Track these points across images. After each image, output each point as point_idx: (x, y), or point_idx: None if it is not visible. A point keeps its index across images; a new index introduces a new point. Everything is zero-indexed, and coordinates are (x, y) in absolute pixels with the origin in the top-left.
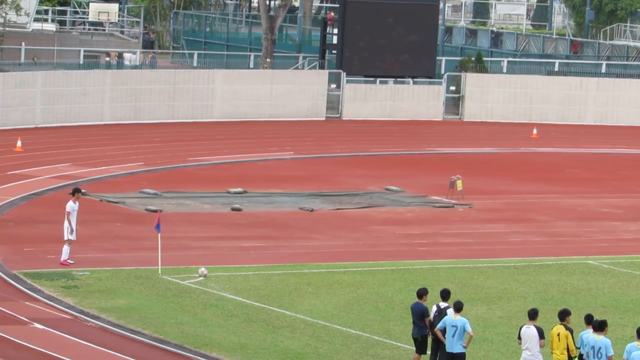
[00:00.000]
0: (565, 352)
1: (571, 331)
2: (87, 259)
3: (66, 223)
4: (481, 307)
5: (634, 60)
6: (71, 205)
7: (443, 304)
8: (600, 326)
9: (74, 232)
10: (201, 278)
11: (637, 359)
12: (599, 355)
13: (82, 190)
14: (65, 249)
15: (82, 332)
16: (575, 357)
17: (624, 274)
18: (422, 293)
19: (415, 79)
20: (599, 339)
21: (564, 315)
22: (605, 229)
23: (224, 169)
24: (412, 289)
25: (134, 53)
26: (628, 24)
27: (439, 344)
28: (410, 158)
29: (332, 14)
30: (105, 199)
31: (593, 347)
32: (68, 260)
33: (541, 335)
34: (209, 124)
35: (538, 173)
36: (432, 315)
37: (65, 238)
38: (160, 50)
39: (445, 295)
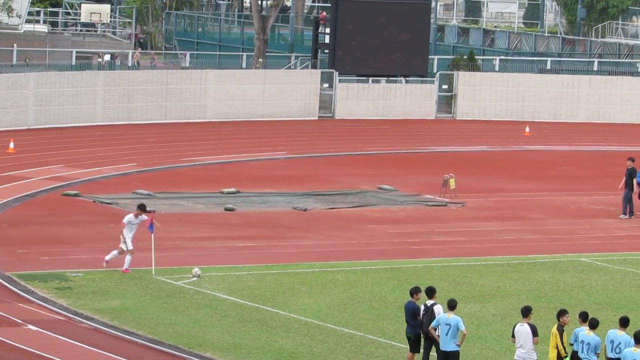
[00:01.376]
0: (555, 350)
1: (561, 331)
2: (80, 260)
3: (124, 233)
4: (475, 305)
5: (625, 58)
6: (128, 218)
7: (429, 302)
8: (623, 323)
9: (126, 244)
10: (195, 278)
11: (629, 357)
12: (617, 350)
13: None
14: (128, 258)
15: (76, 334)
16: (566, 356)
17: (617, 271)
18: (414, 291)
19: (407, 78)
20: (620, 334)
21: (558, 315)
22: (598, 227)
23: (217, 169)
24: (406, 288)
25: (126, 55)
26: (620, 22)
27: (430, 343)
28: (403, 157)
29: (324, 13)
30: (99, 200)
31: (612, 341)
32: (128, 269)
33: (534, 332)
34: (201, 124)
35: (531, 171)
36: (420, 314)
37: (120, 247)
38: (153, 51)
39: (429, 292)
